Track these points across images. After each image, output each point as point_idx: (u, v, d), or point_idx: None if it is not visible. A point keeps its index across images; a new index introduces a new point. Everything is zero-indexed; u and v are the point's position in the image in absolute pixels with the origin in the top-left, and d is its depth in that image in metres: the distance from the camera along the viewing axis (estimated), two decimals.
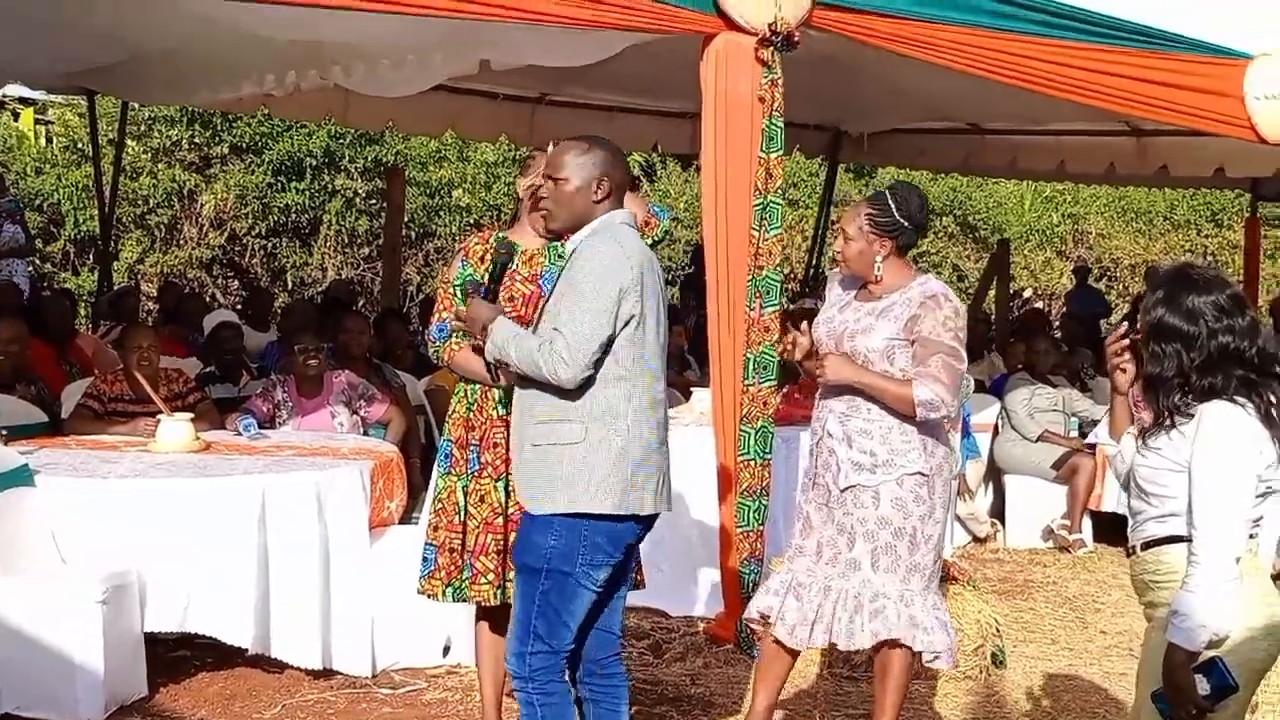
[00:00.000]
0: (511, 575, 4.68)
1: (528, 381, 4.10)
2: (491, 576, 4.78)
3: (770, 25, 6.19)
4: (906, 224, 4.77)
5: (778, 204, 6.32)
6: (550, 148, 4.63)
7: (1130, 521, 3.64)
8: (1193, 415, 3.42)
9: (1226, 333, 3.44)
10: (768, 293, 6.26)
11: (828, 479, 4.75)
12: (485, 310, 4.23)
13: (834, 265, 5.03)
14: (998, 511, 9.60)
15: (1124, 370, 3.73)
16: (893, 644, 4.70)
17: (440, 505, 4.86)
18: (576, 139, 4.32)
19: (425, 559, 4.86)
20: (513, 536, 4.74)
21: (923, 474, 4.69)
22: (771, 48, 6.22)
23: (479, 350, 4.32)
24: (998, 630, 6.29)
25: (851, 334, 4.73)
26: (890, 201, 4.76)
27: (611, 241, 4.11)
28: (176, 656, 5.86)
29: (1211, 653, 3.34)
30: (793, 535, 4.95)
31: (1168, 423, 3.48)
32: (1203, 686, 3.33)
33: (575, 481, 4.02)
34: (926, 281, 4.78)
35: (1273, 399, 3.45)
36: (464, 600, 4.86)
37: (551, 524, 4.04)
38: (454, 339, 4.83)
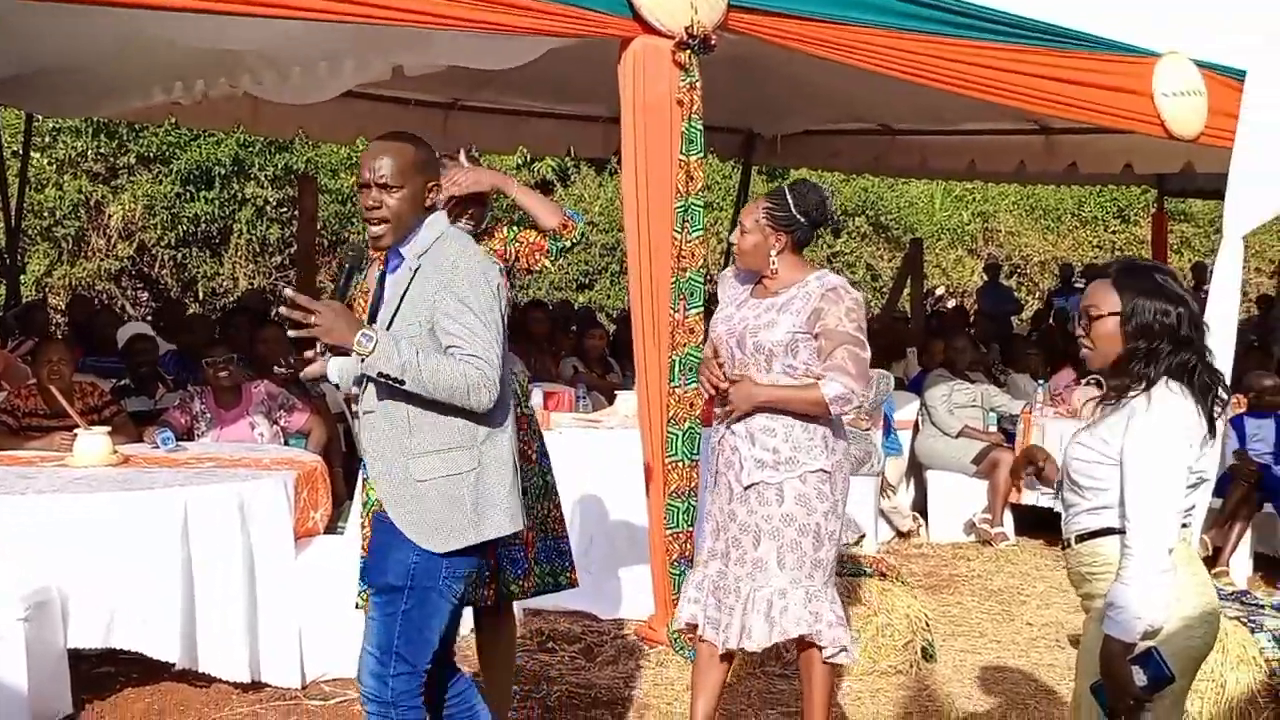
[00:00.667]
0: None
1: (398, 405, 3.82)
2: None
3: (687, 28, 6.20)
4: (803, 220, 4.78)
5: (698, 206, 6.33)
6: (380, 154, 4.02)
7: (1063, 515, 3.68)
8: (1139, 395, 3.46)
9: (1179, 319, 3.49)
10: (691, 295, 6.27)
11: (730, 476, 4.75)
12: (349, 319, 3.76)
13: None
14: (920, 507, 9.70)
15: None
16: (812, 642, 4.71)
17: None
18: (395, 138, 3.99)
19: (363, 573, 4.79)
20: None
21: (825, 470, 4.69)
22: (689, 50, 6.24)
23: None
24: (927, 624, 6.34)
25: (753, 329, 4.73)
26: (788, 197, 4.79)
27: (470, 246, 3.95)
28: (101, 673, 5.75)
29: (1147, 643, 3.38)
30: (701, 537, 4.93)
31: (1141, 389, 3.49)
32: (1139, 678, 3.37)
33: (480, 510, 3.86)
34: (824, 275, 4.78)
35: (1199, 367, 3.49)
36: None
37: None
38: None
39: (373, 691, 3.90)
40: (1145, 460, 3.40)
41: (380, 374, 3.71)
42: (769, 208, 4.78)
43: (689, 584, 4.94)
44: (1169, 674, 3.37)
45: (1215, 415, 3.50)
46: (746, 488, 4.70)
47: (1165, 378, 3.45)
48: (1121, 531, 3.45)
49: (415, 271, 3.87)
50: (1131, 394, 3.48)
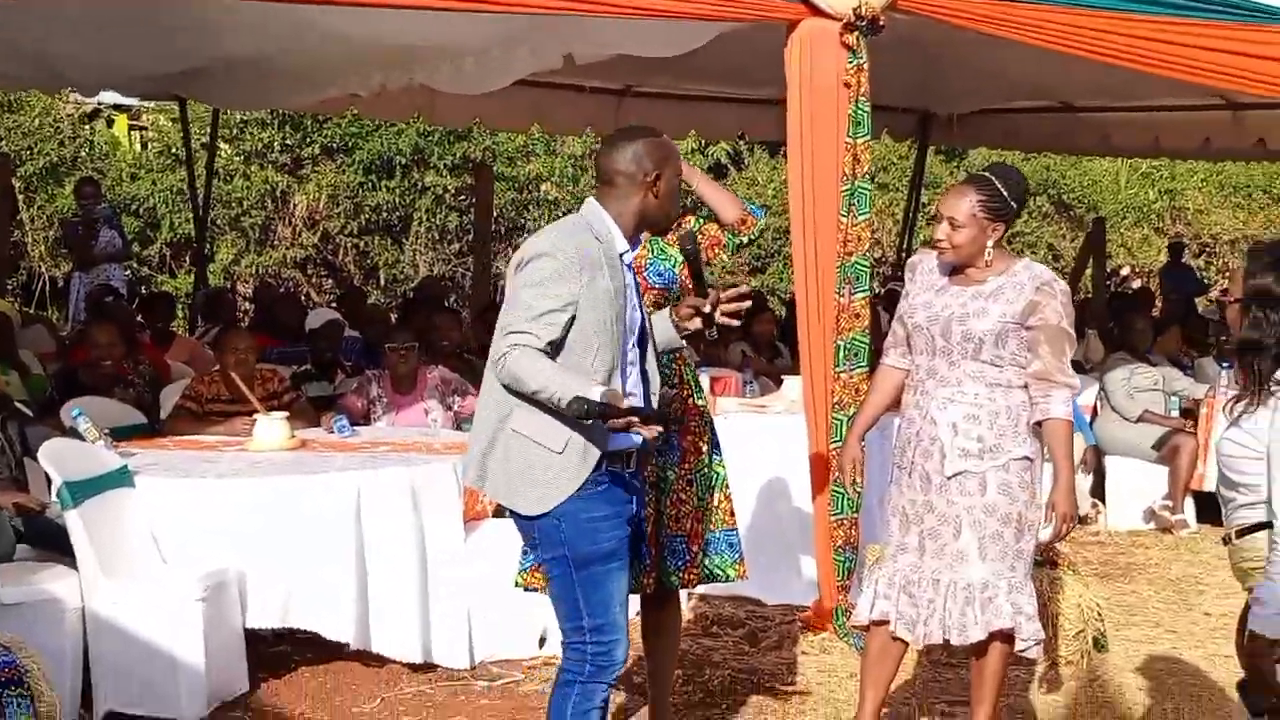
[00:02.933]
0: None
1: None
2: None
3: (855, 10, 6.14)
4: (1015, 205, 4.69)
5: (865, 189, 6.27)
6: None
7: (1223, 510, 3.58)
8: (1278, 390, 3.35)
9: None
10: (857, 279, 6.22)
11: (928, 467, 4.64)
12: None
13: (928, 249, 4.91)
14: (1098, 492, 9.48)
15: None
16: (996, 632, 4.64)
17: None
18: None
19: (525, 552, 4.82)
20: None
21: (1029, 458, 4.61)
22: (856, 32, 6.17)
23: None
24: (1099, 614, 6.17)
25: (960, 318, 4.62)
26: (999, 184, 4.65)
27: None
28: (277, 651, 5.92)
29: None
30: (889, 531, 4.84)
31: (1258, 393, 3.40)
32: None
33: None
34: (1032, 265, 4.69)
35: None
36: None
37: None
38: None
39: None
40: None
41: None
42: (983, 200, 4.62)
43: (877, 579, 4.83)
44: None
45: None
46: (950, 478, 4.61)
47: None
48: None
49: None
50: (1274, 387, 3.36)
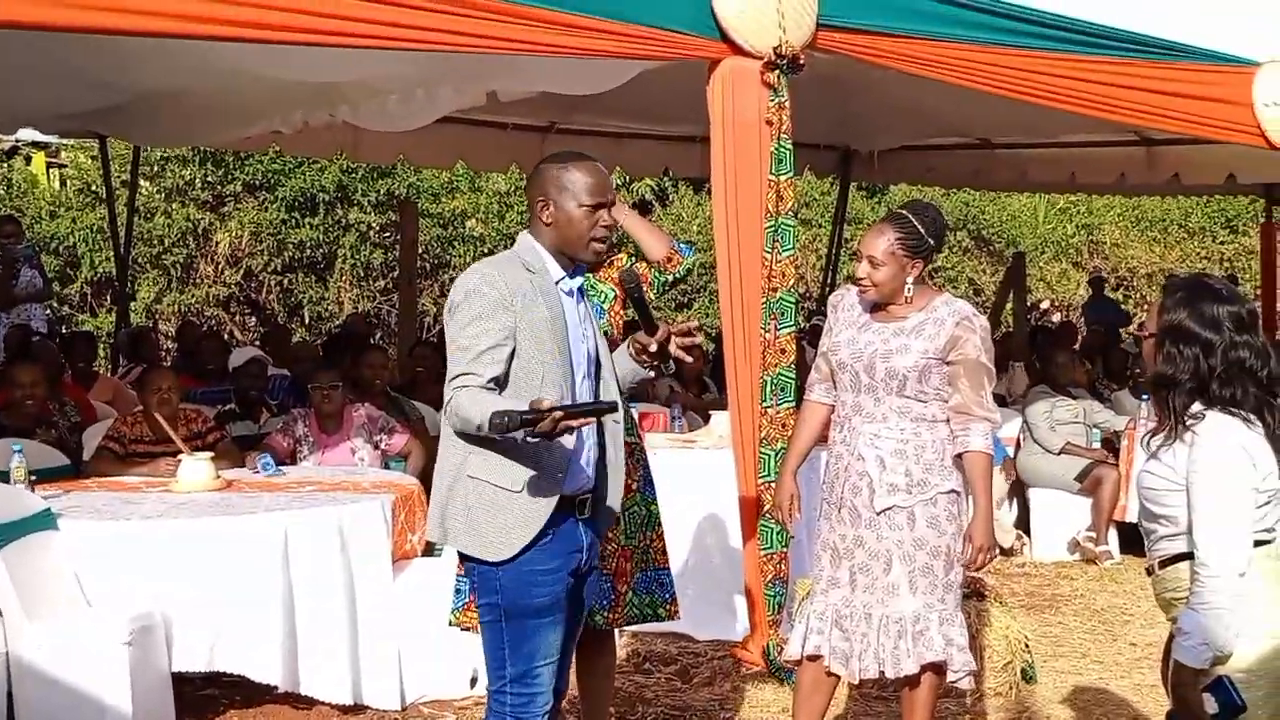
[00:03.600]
0: None
1: None
2: None
3: (775, 49, 6.19)
4: (932, 242, 4.75)
5: (789, 225, 6.33)
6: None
7: (1146, 542, 3.64)
8: (1193, 424, 3.40)
9: (1245, 347, 3.43)
10: (783, 314, 6.26)
11: (857, 503, 4.69)
12: None
13: (850, 285, 4.96)
14: (1023, 525, 9.57)
15: None
16: (927, 664, 4.68)
17: None
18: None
19: (458, 590, 4.81)
20: None
21: (955, 491, 4.67)
22: (777, 71, 6.23)
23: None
24: (1026, 646, 6.26)
25: (884, 355, 4.67)
26: (915, 222, 4.72)
27: None
28: (205, 695, 5.86)
29: (1220, 670, 3.31)
30: (819, 565, 4.86)
31: (1174, 427, 3.46)
32: (1210, 705, 3.29)
33: None
34: (951, 301, 4.76)
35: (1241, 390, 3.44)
36: None
37: None
38: None
39: None
40: (1203, 488, 3.35)
41: None
42: (901, 237, 4.69)
43: (809, 614, 4.86)
44: (1239, 702, 3.27)
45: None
46: (879, 513, 4.65)
47: (1208, 407, 3.40)
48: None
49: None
50: (1189, 421, 3.42)
